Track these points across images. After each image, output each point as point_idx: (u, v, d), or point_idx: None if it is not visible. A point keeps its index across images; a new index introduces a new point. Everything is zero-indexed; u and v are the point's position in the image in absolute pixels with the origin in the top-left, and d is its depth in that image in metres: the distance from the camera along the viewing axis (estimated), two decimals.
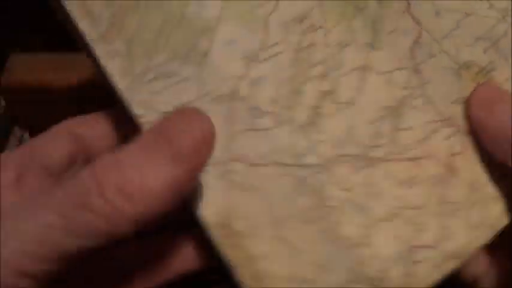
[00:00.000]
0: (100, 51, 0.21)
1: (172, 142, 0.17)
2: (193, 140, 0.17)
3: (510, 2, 0.25)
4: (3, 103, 0.47)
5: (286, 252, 0.21)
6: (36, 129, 0.49)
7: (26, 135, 0.52)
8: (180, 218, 0.23)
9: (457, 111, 0.24)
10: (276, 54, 0.23)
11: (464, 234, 0.23)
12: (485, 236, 0.23)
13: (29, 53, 0.44)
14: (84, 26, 0.21)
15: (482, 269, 0.25)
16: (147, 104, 0.21)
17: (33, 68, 0.43)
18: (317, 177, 0.22)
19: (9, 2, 0.43)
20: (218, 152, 0.20)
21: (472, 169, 0.23)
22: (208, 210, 0.20)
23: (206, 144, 0.18)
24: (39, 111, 0.44)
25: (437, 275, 0.22)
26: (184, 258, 0.23)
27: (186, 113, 0.18)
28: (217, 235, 0.20)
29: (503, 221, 0.23)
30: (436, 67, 0.24)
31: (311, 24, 0.23)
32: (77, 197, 0.16)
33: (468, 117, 0.23)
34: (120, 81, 0.21)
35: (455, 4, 0.25)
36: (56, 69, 0.42)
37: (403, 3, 0.25)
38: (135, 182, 0.16)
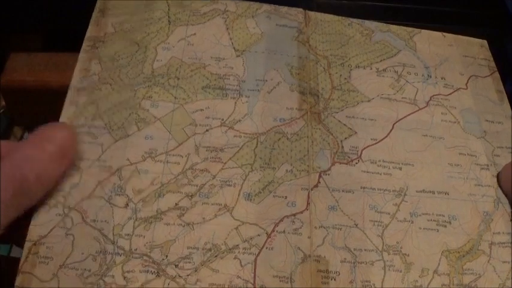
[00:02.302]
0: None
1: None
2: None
3: None
4: (3, 103, 0.47)
5: None
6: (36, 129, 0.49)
7: (26, 134, 0.52)
8: None
9: None
10: (172, 162, 0.27)
11: None
12: None
13: (29, 53, 0.44)
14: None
15: None
16: None
17: (33, 68, 0.43)
18: None
19: (9, 2, 0.43)
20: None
21: None
22: None
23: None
24: (39, 111, 0.44)
25: None
26: None
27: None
28: None
29: None
30: None
31: (218, 157, 0.27)
32: None
33: None
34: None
35: None
36: (55, 69, 0.42)
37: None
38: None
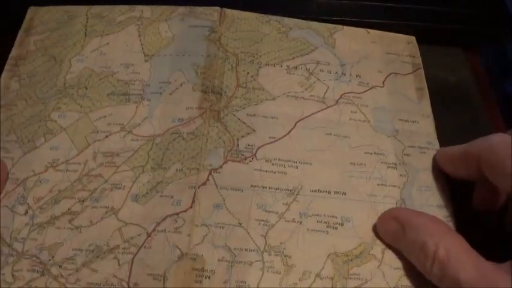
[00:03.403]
0: None
1: None
2: None
3: None
4: None
5: None
6: None
7: None
8: None
9: None
10: (71, 170, 0.28)
11: None
12: None
13: None
14: None
15: None
16: None
17: None
18: None
19: (9, 3, 0.46)
20: None
21: None
22: None
23: None
24: None
25: None
26: None
27: None
28: None
29: None
30: None
31: (113, 162, 0.28)
32: None
33: None
34: None
35: None
36: None
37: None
38: None
